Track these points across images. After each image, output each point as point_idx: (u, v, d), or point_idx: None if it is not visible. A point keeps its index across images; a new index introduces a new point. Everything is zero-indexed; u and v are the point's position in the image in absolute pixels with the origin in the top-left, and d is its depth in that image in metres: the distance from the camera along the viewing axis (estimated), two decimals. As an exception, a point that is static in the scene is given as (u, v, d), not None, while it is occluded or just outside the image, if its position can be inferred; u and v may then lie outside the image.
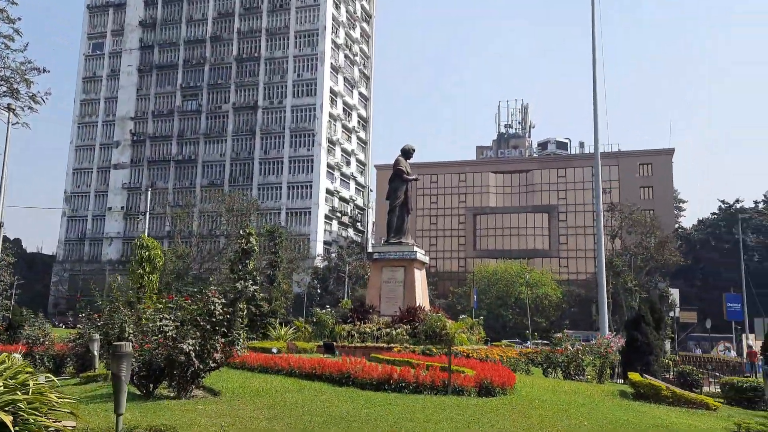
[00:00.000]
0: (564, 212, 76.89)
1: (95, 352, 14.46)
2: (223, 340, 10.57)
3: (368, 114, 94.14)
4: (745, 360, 30.34)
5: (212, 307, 10.33)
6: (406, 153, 24.37)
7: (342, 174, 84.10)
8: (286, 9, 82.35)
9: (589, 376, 19.24)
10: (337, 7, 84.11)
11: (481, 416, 9.65)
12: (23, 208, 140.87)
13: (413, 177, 24.46)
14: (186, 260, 55.43)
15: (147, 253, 23.27)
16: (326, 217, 79.10)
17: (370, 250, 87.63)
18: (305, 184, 77.97)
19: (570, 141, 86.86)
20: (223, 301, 10.57)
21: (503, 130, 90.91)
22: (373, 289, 23.34)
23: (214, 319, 10.33)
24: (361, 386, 12.00)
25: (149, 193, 44.73)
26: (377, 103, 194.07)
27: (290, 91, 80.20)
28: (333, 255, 74.22)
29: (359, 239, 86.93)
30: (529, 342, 45.03)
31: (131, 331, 10.93)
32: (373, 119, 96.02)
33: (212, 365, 10.62)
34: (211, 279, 50.26)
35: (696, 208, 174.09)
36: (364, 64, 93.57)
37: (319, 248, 75.75)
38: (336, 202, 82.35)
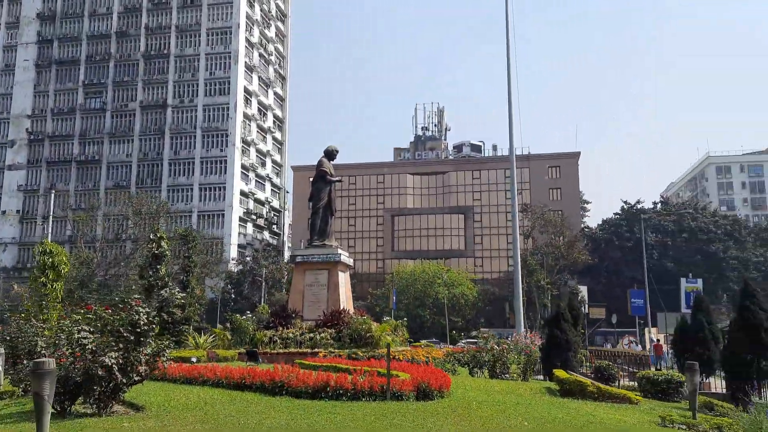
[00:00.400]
0: (479, 213, 78.80)
1: None
2: (147, 351, 9.83)
3: (284, 114, 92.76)
4: (650, 353, 31.93)
5: (137, 317, 9.58)
6: (330, 154, 24.01)
7: (257, 175, 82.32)
8: (197, 5, 79.67)
9: (514, 374, 19.50)
10: (251, 5, 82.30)
11: (424, 421, 9.45)
12: None
13: (336, 179, 24.12)
14: (90, 266, 52.37)
15: (50, 260, 21.59)
16: (241, 219, 77.15)
17: (287, 252, 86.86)
18: (218, 186, 75.70)
19: (484, 144, 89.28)
20: (148, 310, 9.84)
21: (420, 132, 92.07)
22: (295, 293, 22.79)
23: (138, 330, 9.58)
24: (296, 395, 11.48)
25: (52, 195, 41.72)
26: (293, 103, 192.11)
27: (202, 89, 77.66)
28: (248, 258, 72.49)
29: (275, 242, 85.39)
30: (462, 342, 45.64)
31: (43, 345, 9.94)
32: (290, 120, 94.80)
33: (136, 379, 9.85)
34: (122, 287, 47.92)
35: (599, 208, 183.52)
36: (279, 64, 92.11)
37: (234, 252, 73.75)
38: (251, 204, 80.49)
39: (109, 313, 9.96)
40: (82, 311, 10.29)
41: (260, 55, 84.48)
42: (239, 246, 75.31)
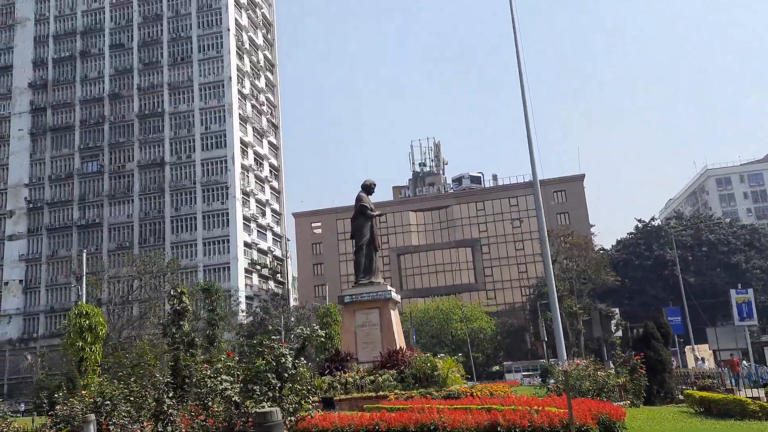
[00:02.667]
0: (486, 244, 78.26)
1: None
2: (294, 399, 9.00)
3: (279, 163, 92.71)
4: (723, 370, 30.74)
5: (283, 360, 8.84)
6: (368, 188, 23.52)
7: (258, 225, 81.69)
8: (188, 62, 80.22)
9: (627, 401, 17.99)
10: (240, 58, 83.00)
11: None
12: None
13: (377, 213, 23.60)
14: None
15: (87, 322, 20.78)
16: (246, 270, 76.16)
17: (292, 301, 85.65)
18: (222, 239, 74.93)
19: (483, 175, 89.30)
20: (292, 351, 9.10)
21: (418, 168, 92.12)
22: (347, 334, 21.96)
23: (286, 374, 8.81)
24: None
25: (84, 255, 40.75)
26: (287, 151, 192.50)
27: (198, 144, 77.57)
28: (256, 309, 71.30)
29: (280, 291, 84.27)
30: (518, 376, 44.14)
31: (170, 403, 9.12)
32: (285, 168, 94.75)
33: None
34: (137, 348, 46.58)
35: (601, 229, 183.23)
36: (271, 113, 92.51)
37: (241, 305, 72.57)
38: (255, 255, 79.63)
39: (251, 358, 9.21)
40: (223, 358, 9.54)
41: (252, 105, 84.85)
42: (247, 297, 74.12)
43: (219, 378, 8.80)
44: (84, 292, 36.75)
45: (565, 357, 31.89)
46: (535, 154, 34.64)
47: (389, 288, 22.29)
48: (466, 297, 74.43)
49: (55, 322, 75.11)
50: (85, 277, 38.66)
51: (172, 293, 35.82)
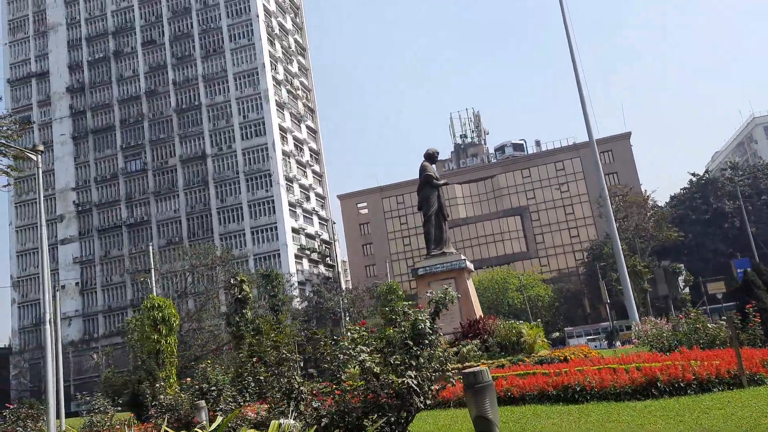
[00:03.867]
0: (535, 211, 76.51)
1: (204, 421, 11.94)
2: (436, 365, 8.27)
3: (319, 146, 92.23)
4: None
5: (421, 326, 8.08)
6: (431, 157, 22.60)
7: (304, 210, 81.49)
8: (220, 53, 79.94)
9: None
10: (271, 44, 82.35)
11: None
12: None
13: (443, 182, 22.65)
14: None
15: (160, 314, 20.38)
16: (296, 256, 76.15)
17: (343, 284, 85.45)
18: (269, 227, 74.97)
19: (525, 142, 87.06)
20: (428, 316, 8.47)
21: (459, 140, 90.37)
22: (423, 308, 21.23)
23: (426, 340, 8.10)
24: (616, 397, 9.86)
25: (151, 248, 40.87)
26: (325, 134, 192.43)
27: (238, 134, 77.48)
28: (310, 294, 71.26)
29: (330, 274, 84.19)
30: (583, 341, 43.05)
31: (300, 381, 8.53)
32: (324, 151, 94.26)
33: (428, 403, 8.18)
34: (199, 341, 46.45)
35: (649, 186, 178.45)
36: (306, 97, 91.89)
37: (294, 290, 72.60)
38: (303, 240, 79.55)
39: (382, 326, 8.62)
40: (358, 328, 8.83)
41: (288, 91, 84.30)
42: (299, 283, 74.19)
43: (357, 348, 8.10)
44: (154, 285, 36.66)
45: (637, 316, 30.38)
46: (588, 111, 33.05)
47: (462, 257, 21.42)
48: (518, 266, 73.07)
49: (113, 321, 76.59)
50: (153, 270, 38.53)
51: (231, 282, 35.72)
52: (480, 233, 78.00)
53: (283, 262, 73.24)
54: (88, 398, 20.82)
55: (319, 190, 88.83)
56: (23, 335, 78.00)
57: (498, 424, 4.59)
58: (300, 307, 67.80)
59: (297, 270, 75.36)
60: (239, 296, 36.01)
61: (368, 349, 8.18)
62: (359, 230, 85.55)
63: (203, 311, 55.17)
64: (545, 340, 21.42)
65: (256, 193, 75.71)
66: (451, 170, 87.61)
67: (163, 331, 20.85)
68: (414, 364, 7.95)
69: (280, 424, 5.11)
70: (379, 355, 8.15)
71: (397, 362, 7.96)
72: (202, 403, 12.00)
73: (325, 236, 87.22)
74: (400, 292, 38.93)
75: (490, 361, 17.07)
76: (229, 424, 9.73)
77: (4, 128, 19.78)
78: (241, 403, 13.93)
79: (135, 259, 76.41)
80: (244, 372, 18.21)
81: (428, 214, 21.74)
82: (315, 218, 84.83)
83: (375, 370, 7.83)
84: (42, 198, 17.18)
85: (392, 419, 7.80)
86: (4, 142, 17.28)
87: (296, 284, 71.89)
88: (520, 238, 77.00)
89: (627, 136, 75.10)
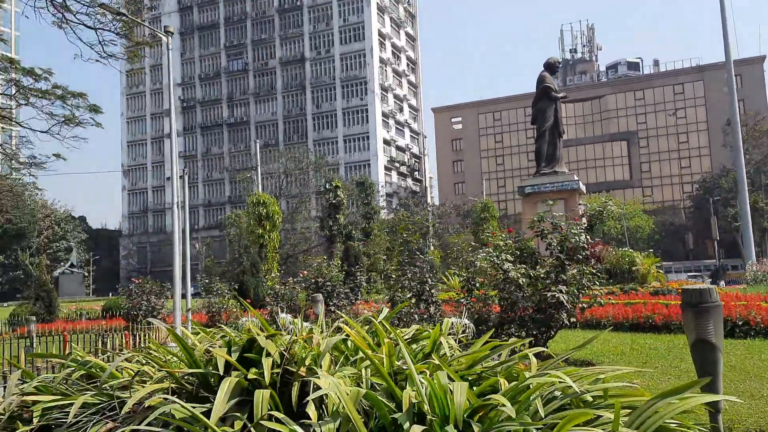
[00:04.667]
0: (644, 138, 71.56)
1: (320, 313, 12.38)
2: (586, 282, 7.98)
3: (416, 56, 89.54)
4: None
5: (575, 240, 7.84)
6: (551, 67, 20.79)
7: (396, 122, 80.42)
8: (323, -49, 77.65)
9: None
10: (376, -57, 78.89)
11: None
12: (86, 186, 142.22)
13: (562, 95, 20.97)
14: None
15: (265, 210, 20.77)
16: (385, 168, 75.99)
17: (429, 199, 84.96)
18: (361, 136, 74.80)
19: (642, 60, 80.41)
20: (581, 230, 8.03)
21: (568, 55, 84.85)
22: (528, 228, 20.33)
23: (580, 256, 7.89)
24: None
25: (257, 146, 41.89)
26: (424, 43, 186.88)
27: (337, 38, 76.25)
28: (396, 206, 71.37)
29: (417, 189, 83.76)
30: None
31: (431, 283, 8.71)
32: (422, 61, 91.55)
33: (572, 320, 7.93)
34: (291, 241, 47.62)
35: None
36: (408, 1, 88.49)
37: (381, 202, 72.99)
38: (393, 152, 79.03)
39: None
40: (504, 235, 8.59)
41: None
42: (387, 195, 74.38)
43: (502, 257, 7.77)
44: (259, 182, 37.58)
45: (754, 255, 28.06)
46: (729, 28, 29.50)
47: (575, 178, 20.01)
48: (619, 194, 69.48)
49: (211, 214, 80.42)
50: (258, 168, 39.41)
51: (327, 187, 35.98)
52: (581, 156, 74.28)
53: (372, 173, 73.35)
54: (206, 281, 21.79)
55: (413, 101, 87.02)
56: (131, 220, 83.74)
57: (722, 350, 3.97)
58: (386, 219, 68.25)
59: (385, 182, 75.42)
60: (333, 201, 36.45)
61: (512, 258, 7.93)
62: (451, 146, 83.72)
63: (296, 213, 56.56)
64: (660, 271, 20.05)
65: (350, 101, 75.19)
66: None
67: (267, 227, 21.34)
68: (564, 278, 7.68)
69: (452, 323, 4.73)
70: (525, 266, 7.68)
71: (542, 275, 7.73)
72: (319, 296, 12.55)
73: (416, 150, 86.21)
74: (495, 212, 37.79)
75: (599, 288, 16.20)
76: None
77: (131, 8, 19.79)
78: (353, 300, 14.81)
79: (234, 158, 78.94)
80: (357, 271, 18.63)
81: (542, 128, 20.28)
82: (407, 131, 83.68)
83: (520, 281, 7.54)
84: (171, 76, 17.42)
85: (533, 333, 7.53)
86: (133, 19, 17.21)
87: (384, 196, 72.18)
88: (624, 165, 72.72)
89: (760, 60, 67.50)
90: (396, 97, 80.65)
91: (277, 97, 78.36)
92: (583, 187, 20.56)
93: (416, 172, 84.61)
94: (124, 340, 13.68)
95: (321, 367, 3.28)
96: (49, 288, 27.89)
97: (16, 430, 3.34)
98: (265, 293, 29.68)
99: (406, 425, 2.63)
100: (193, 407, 2.89)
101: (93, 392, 3.56)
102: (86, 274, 62.57)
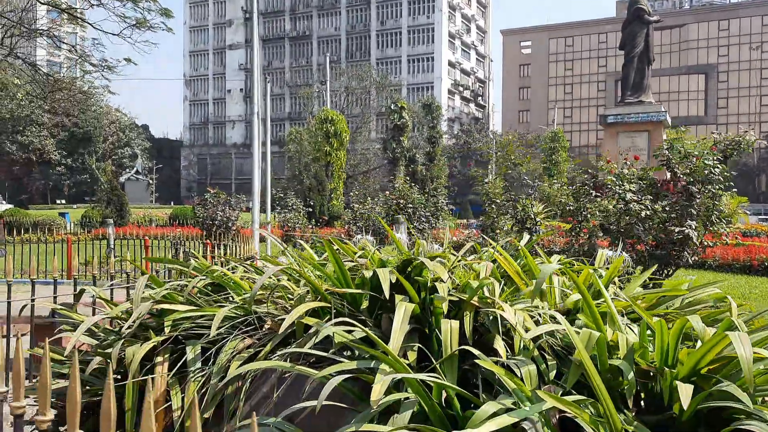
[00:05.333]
0: (724, 72, 67.12)
1: (402, 235, 12.20)
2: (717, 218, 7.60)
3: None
4: None
5: (708, 172, 7.34)
6: (644, -12, 19.31)
7: (463, 43, 77.57)
8: None
9: None
10: None
11: None
12: (148, 94, 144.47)
13: (655, 18, 19.53)
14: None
15: (333, 128, 20.34)
16: (448, 91, 74.03)
17: (491, 125, 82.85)
18: (426, 56, 72.65)
19: (733, -13, 74.24)
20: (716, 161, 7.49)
21: (651, -21, 79.15)
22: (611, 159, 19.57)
23: (714, 188, 7.41)
24: None
25: (327, 59, 41.09)
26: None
27: (405, -49, 72.94)
28: (458, 132, 69.91)
29: (480, 115, 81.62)
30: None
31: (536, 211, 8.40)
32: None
33: (694, 258, 7.61)
34: (351, 161, 47.27)
35: None
36: None
37: (443, 126, 71.54)
38: (458, 75, 76.73)
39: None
40: (628, 162, 8.18)
41: None
42: (448, 119, 72.79)
43: (624, 186, 7.28)
44: (328, 98, 37.04)
45: None
46: None
47: (662, 109, 18.85)
48: (691, 131, 66.12)
49: (271, 130, 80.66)
50: (328, 82, 38.77)
51: (392, 108, 35.23)
52: (654, 89, 70.22)
53: (435, 96, 71.51)
54: (280, 195, 21.81)
55: (481, 22, 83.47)
56: (192, 131, 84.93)
57: None
58: (447, 144, 67.09)
59: (448, 106, 73.66)
60: (398, 123, 35.79)
61: (635, 189, 7.53)
62: (518, 71, 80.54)
63: (357, 133, 56.05)
64: (746, 212, 18.98)
65: (417, 19, 72.62)
66: (634, 14, 78.01)
67: (335, 144, 20.97)
68: (694, 212, 7.21)
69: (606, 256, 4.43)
70: (650, 198, 7.25)
71: (665, 208, 7.27)
72: (401, 218, 12.24)
73: (481, 74, 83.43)
74: (566, 142, 36.47)
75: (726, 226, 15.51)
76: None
77: None
78: (433, 225, 14.59)
79: (295, 73, 78.11)
80: (439, 195, 18.33)
81: (631, 54, 19.04)
82: (473, 53, 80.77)
83: (643, 213, 7.11)
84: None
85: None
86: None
87: (446, 120, 70.69)
88: (699, 101, 68.73)
89: None
90: (464, 16, 77.49)
91: (341, 12, 76.32)
92: (669, 120, 19.44)
93: (480, 98, 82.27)
94: (207, 249, 13.84)
95: (496, 296, 2.88)
96: (121, 193, 28.68)
97: (148, 339, 3.10)
98: (332, 211, 29.89)
99: (630, 375, 2.22)
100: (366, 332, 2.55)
101: (229, 305, 3.23)
102: (150, 181, 64.27)
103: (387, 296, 2.92)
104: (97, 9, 24.99)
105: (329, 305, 3.10)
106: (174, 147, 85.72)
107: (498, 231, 9.54)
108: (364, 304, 3.00)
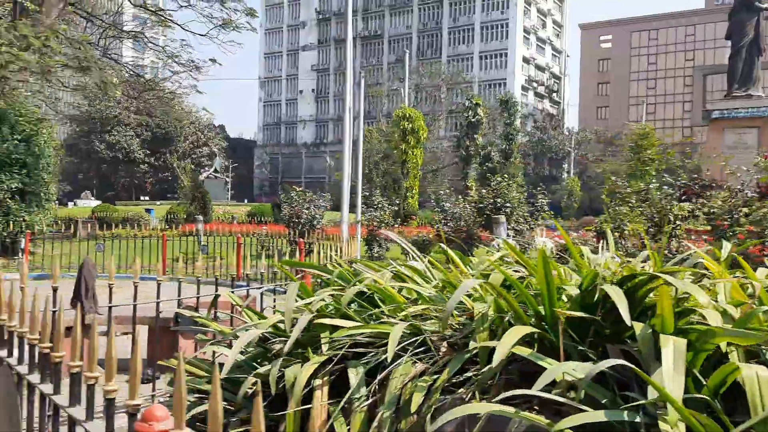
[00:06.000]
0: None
1: (502, 236, 11.51)
2: None
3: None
4: None
5: None
6: (752, -27, 17.81)
7: (537, 38, 75.55)
8: None
9: None
10: None
11: None
12: (224, 97, 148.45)
13: (766, 5, 18.00)
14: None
15: (410, 125, 19.70)
16: (522, 87, 72.22)
17: (567, 122, 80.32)
18: (499, 53, 71.15)
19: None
20: None
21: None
22: (711, 157, 18.23)
23: None
24: None
25: (407, 57, 40.60)
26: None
27: (480, -54, 71.68)
28: (532, 129, 68.07)
29: (555, 111, 79.29)
30: None
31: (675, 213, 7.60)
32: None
33: None
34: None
35: None
36: None
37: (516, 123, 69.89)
38: (531, 71, 74.77)
39: None
40: None
41: None
42: (522, 116, 71.01)
43: None
44: (406, 94, 36.74)
45: None
46: None
47: (773, 103, 17.35)
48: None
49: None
50: (406, 79, 38.45)
51: (466, 104, 34.38)
52: (765, 83, 66.30)
53: (507, 92, 70.14)
54: (365, 193, 21.63)
55: (557, 16, 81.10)
56: (266, 131, 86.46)
57: None
58: (521, 141, 65.48)
59: (521, 102, 71.88)
60: (472, 119, 35.07)
61: None
62: (597, 66, 77.72)
63: (428, 131, 55.43)
64: None
65: (490, 15, 71.25)
66: (722, 4, 73.69)
67: (411, 142, 20.38)
68: None
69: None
70: None
71: None
72: (502, 218, 11.49)
73: (556, 70, 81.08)
74: (655, 139, 34.76)
75: None
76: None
77: None
78: (532, 225, 13.80)
79: (366, 73, 78.13)
80: (539, 193, 17.48)
81: (739, 44, 17.61)
82: (548, 48, 78.59)
83: None
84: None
85: None
86: None
87: (520, 117, 69.04)
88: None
89: None
90: (539, 11, 75.51)
91: (413, 10, 75.84)
92: (781, 116, 17.84)
93: (554, 94, 79.98)
94: (298, 248, 13.61)
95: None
96: (204, 191, 29.22)
97: (299, 357, 2.61)
98: (407, 210, 29.45)
99: None
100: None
101: (401, 323, 2.64)
102: (227, 180, 65.78)
103: (628, 322, 2.23)
104: (184, 11, 25.43)
105: (538, 331, 2.45)
106: (248, 147, 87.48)
107: (628, 234, 8.69)
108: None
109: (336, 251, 9.53)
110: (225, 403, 2.35)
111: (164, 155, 63.72)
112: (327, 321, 2.68)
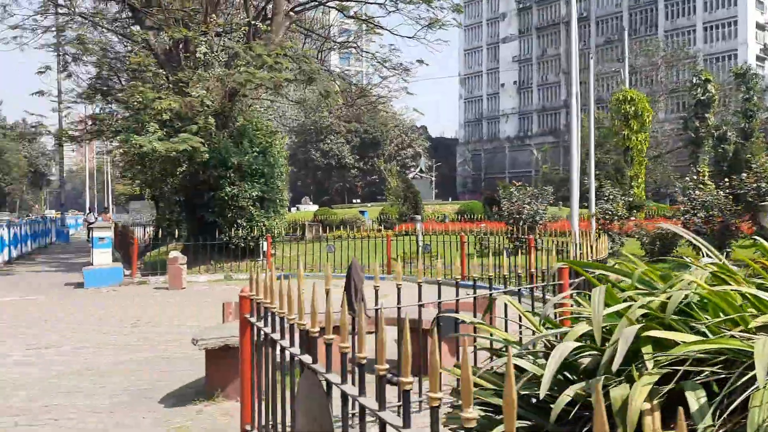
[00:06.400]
0: None
1: None
2: None
3: None
4: None
5: None
6: None
7: (773, 0, 65.72)
8: None
9: None
10: None
11: None
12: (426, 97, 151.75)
13: None
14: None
15: (632, 108, 17.89)
16: (757, 58, 63.26)
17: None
18: (727, 21, 63.15)
19: None
20: None
21: None
22: None
23: None
24: None
25: (625, 34, 37.81)
26: None
27: None
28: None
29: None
30: None
31: None
32: None
33: None
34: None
35: None
36: None
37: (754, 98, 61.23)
38: (766, 38, 65.18)
39: None
40: None
41: None
42: (759, 90, 62.08)
43: None
44: (627, 76, 34.26)
45: None
46: None
47: None
48: None
49: (546, 120, 78.11)
50: (626, 59, 35.91)
51: (694, 82, 30.71)
52: None
53: (739, 65, 61.83)
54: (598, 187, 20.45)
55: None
56: (467, 128, 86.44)
57: None
58: (762, 118, 57.16)
59: (759, 75, 62.94)
60: (701, 98, 31.13)
61: None
62: None
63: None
64: None
65: (715, -21, 63.56)
66: None
67: (634, 127, 18.50)
68: None
69: None
70: None
71: None
72: None
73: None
74: None
75: None
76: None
77: None
78: None
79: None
80: None
81: None
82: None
83: None
84: None
85: None
86: None
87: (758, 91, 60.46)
88: None
89: None
90: (774, -31, 65.69)
91: (623, -14, 70.59)
92: None
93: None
94: (528, 246, 12.87)
95: None
96: (415, 191, 29.63)
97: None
98: (632, 202, 26.95)
99: None
100: None
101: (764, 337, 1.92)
102: (432, 179, 66.92)
103: None
104: (392, 16, 25.95)
105: None
106: (449, 145, 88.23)
107: None
108: None
109: (581, 248, 8.47)
110: (519, 421, 1.98)
111: (372, 159, 66.66)
112: (659, 334, 2.04)
